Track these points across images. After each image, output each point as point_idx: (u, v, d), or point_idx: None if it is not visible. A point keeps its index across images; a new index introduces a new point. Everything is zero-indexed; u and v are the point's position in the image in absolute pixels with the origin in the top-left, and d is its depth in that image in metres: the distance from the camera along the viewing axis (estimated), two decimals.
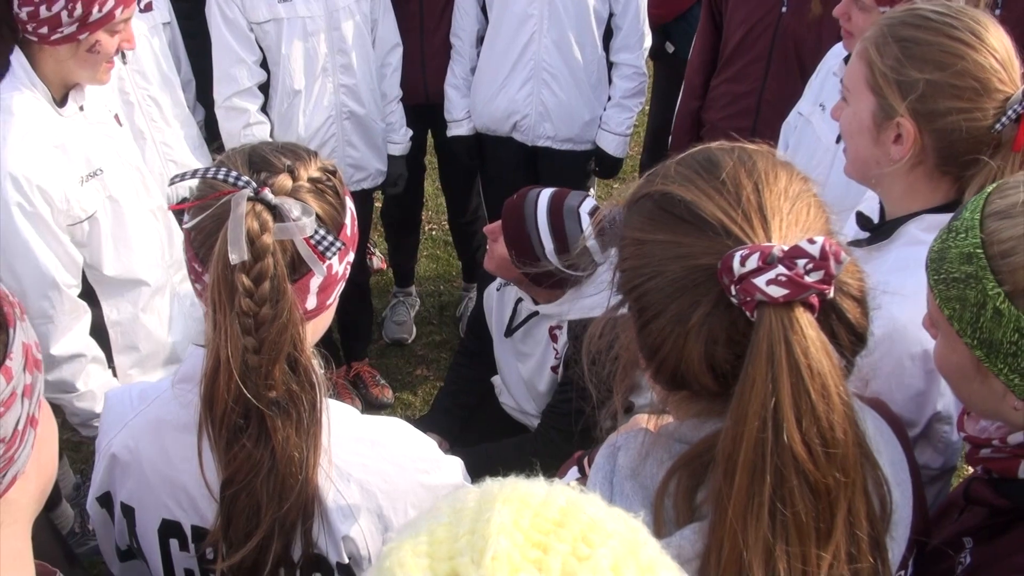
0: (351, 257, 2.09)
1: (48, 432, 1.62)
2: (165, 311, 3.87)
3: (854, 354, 1.61)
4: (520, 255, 3.77)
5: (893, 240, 2.46)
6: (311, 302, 2.01)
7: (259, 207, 1.84)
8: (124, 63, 4.25)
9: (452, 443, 4.22)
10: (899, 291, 2.08)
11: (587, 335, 1.79)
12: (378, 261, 7.29)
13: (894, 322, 2.23)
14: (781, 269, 1.44)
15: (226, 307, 1.86)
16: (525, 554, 0.92)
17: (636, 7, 5.34)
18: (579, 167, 5.66)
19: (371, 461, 2.10)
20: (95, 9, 3.16)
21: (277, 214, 1.86)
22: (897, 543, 1.73)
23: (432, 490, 2.17)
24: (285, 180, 1.90)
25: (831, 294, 1.49)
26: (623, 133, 5.53)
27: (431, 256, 7.60)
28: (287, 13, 4.78)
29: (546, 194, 3.84)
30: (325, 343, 2.19)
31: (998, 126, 2.24)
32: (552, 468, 3.92)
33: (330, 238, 1.92)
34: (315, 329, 2.11)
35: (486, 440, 4.26)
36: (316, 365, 2.00)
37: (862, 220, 2.65)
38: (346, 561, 2.08)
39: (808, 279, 1.44)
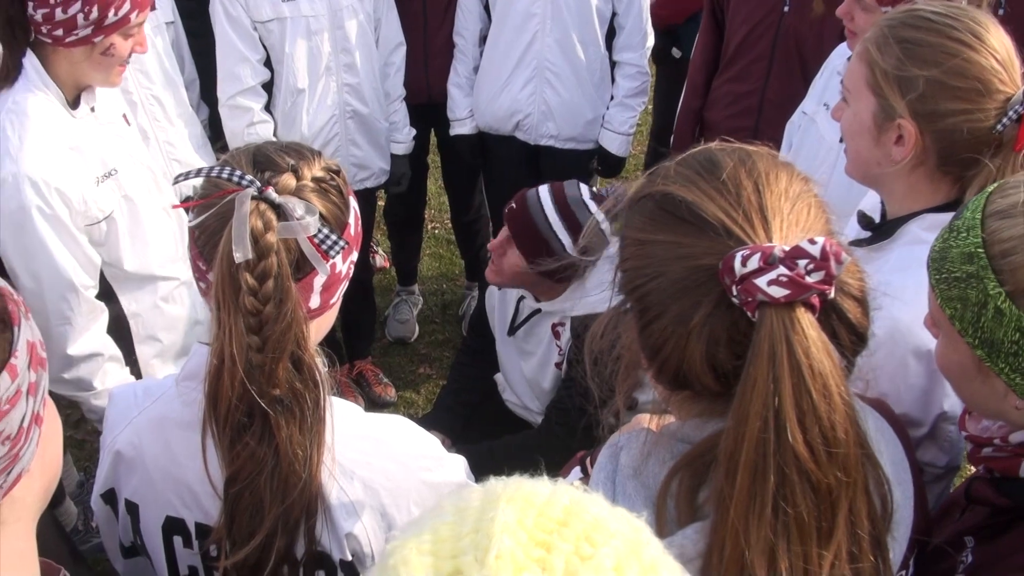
0: (355, 256, 2.10)
1: (52, 430, 1.63)
2: (185, 301, 3.88)
3: (855, 354, 1.61)
4: (537, 256, 3.76)
5: (895, 240, 2.46)
6: (315, 301, 2.01)
7: (263, 206, 1.85)
8: (127, 62, 4.26)
9: (455, 441, 4.22)
10: (901, 291, 2.09)
11: (589, 335, 1.79)
12: (381, 259, 7.29)
13: (896, 322, 2.24)
14: (782, 269, 1.44)
15: (230, 305, 1.86)
16: (529, 553, 0.92)
17: (639, 6, 5.34)
18: (582, 166, 5.65)
19: (374, 459, 2.10)
20: (111, 12, 3.16)
21: (281, 213, 1.87)
22: (898, 542, 1.73)
23: (435, 488, 2.18)
24: (289, 179, 1.91)
25: (832, 294, 1.49)
26: (626, 132, 5.54)
27: (434, 255, 7.61)
28: (291, 12, 4.78)
29: (546, 194, 3.85)
30: (328, 341, 2.20)
31: (999, 127, 2.24)
32: (556, 464, 3.95)
33: (333, 237, 1.92)
34: (319, 328, 2.11)
35: (489, 437, 4.27)
36: (320, 363, 2.00)
37: (863, 219, 2.66)
38: (349, 558, 2.09)
39: (809, 279, 1.45)
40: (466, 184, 6.33)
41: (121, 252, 3.55)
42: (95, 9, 3.12)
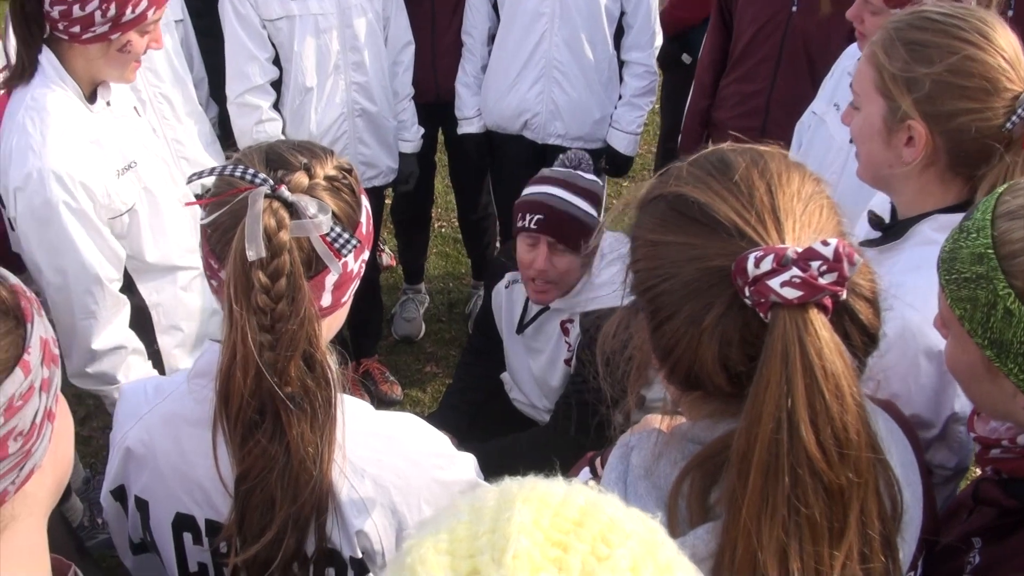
0: (366, 255, 2.10)
1: (64, 426, 1.64)
2: (205, 291, 3.85)
3: (866, 355, 1.61)
4: (584, 241, 3.80)
5: (905, 240, 2.46)
6: (326, 299, 2.02)
7: (276, 204, 1.85)
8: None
9: (461, 440, 4.22)
10: (912, 291, 2.10)
11: (601, 334, 1.80)
12: (388, 258, 7.29)
13: (907, 322, 2.24)
14: (795, 271, 1.45)
15: (242, 303, 1.87)
16: (545, 553, 0.93)
17: (647, 5, 5.34)
18: None
19: (385, 456, 2.11)
20: (128, 10, 3.16)
21: (294, 211, 1.88)
22: (908, 544, 1.73)
23: (446, 486, 2.18)
24: (302, 178, 1.91)
25: (844, 295, 1.50)
26: (634, 131, 5.54)
27: (440, 253, 7.61)
28: (300, 10, 4.78)
29: (556, 188, 3.88)
30: (336, 339, 2.20)
31: (1008, 125, 2.24)
32: (566, 460, 3.95)
33: (346, 236, 1.93)
34: (330, 326, 2.12)
35: (495, 436, 4.26)
36: (332, 361, 2.01)
37: (874, 220, 2.66)
38: (359, 556, 2.09)
39: (822, 281, 1.45)
40: (473, 183, 6.33)
41: (143, 244, 3.56)
42: (112, 6, 3.12)
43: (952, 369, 2.00)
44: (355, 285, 2.11)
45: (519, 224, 3.85)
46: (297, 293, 1.88)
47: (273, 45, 4.89)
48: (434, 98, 5.71)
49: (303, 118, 5.03)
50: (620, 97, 5.51)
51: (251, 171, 1.87)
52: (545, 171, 4.03)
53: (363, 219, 2.06)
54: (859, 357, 1.59)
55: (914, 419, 2.28)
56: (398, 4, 5.24)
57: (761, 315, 1.49)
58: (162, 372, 3.71)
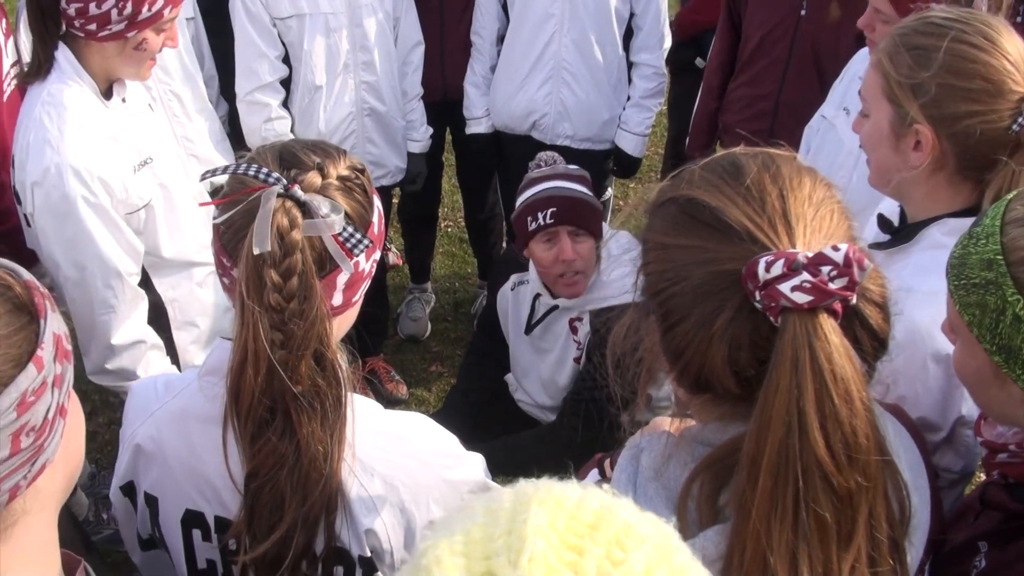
0: (377, 255, 2.11)
1: (76, 422, 1.65)
2: (217, 287, 3.83)
3: (876, 359, 1.62)
4: (597, 221, 3.91)
5: (915, 243, 2.47)
6: (337, 299, 2.03)
7: (289, 203, 1.87)
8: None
9: (465, 440, 4.22)
10: (920, 295, 2.11)
11: (612, 336, 1.80)
12: (394, 257, 7.30)
13: (915, 325, 2.25)
14: (806, 276, 1.45)
15: (255, 301, 1.88)
16: (561, 556, 0.93)
17: (657, 7, 5.34)
18: (597, 166, 5.62)
19: (394, 456, 2.11)
20: (145, 8, 3.17)
21: (306, 211, 1.89)
22: (915, 547, 1.73)
23: (454, 486, 2.19)
24: (315, 177, 1.93)
25: (854, 300, 1.50)
26: (642, 133, 5.54)
27: (447, 253, 7.62)
28: (310, 9, 4.79)
29: (563, 181, 3.93)
30: (344, 338, 2.21)
31: (1015, 127, 2.24)
32: (573, 457, 3.96)
33: (358, 235, 1.94)
34: (340, 325, 2.13)
35: (499, 437, 4.28)
36: (342, 360, 2.02)
37: (883, 223, 2.66)
38: (368, 554, 2.10)
39: (832, 286, 1.45)
40: (480, 183, 6.33)
41: (159, 239, 3.56)
42: (129, 4, 3.13)
43: (960, 374, 2.00)
44: (366, 285, 2.11)
45: (532, 227, 3.85)
46: (309, 292, 1.89)
47: (283, 43, 4.90)
48: (442, 98, 5.71)
49: (312, 117, 5.05)
50: (628, 98, 5.51)
51: (264, 170, 1.88)
52: (532, 174, 4.06)
53: (375, 219, 2.07)
54: (868, 362, 1.59)
55: (921, 422, 2.28)
56: (408, 4, 5.25)
57: (771, 319, 1.50)
58: (178, 368, 3.72)
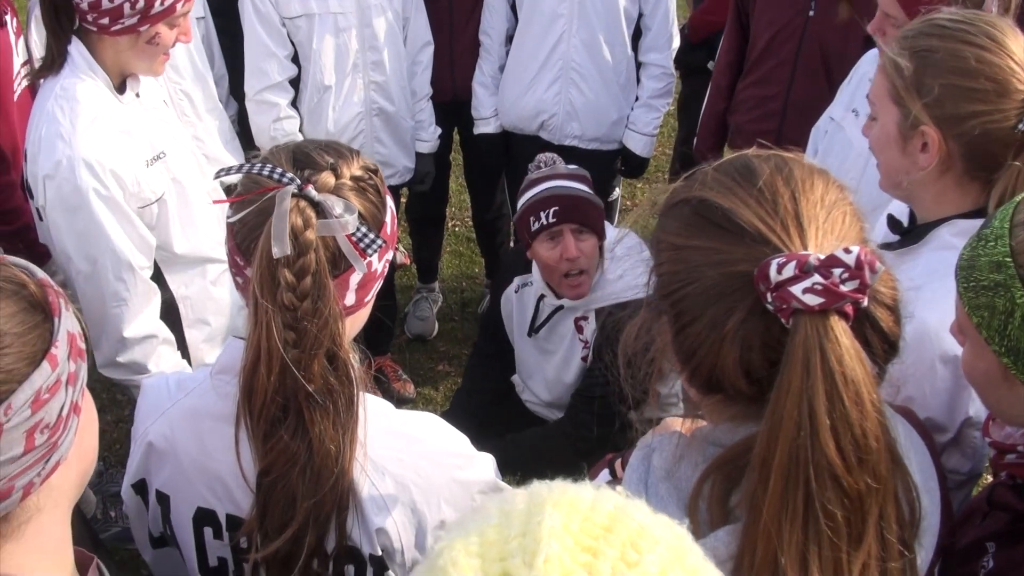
0: (390, 255, 2.12)
1: (89, 420, 1.66)
2: (230, 285, 3.81)
3: (886, 362, 1.62)
4: (599, 219, 3.92)
5: (924, 244, 2.47)
6: (350, 298, 2.04)
7: (303, 203, 1.88)
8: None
9: (472, 440, 4.23)
10: (929, 296, 2.11)
11: (623, 336, 1.81)
12: (401, 256, 7.30)
13: (925, 326, 2.25)
14: (817, 278, 1.46)
15: (268, 301, 1.89)
16: (575, 558, 0.94)
17: (666, 7, 5.34)
18: (605, 166, 5.66)
19: (406, 455, 2.12)
20: (157, 2, 3.19)
21: (320, 210, 1.90)
22: (925, 549, 1.74)
23: (465, 486, 2.20)
24: (328, 177, 1.94)
25: (865, 303, 1.51)
26: (650, 133, 5.54)
27: (454, 252, 7.62)
28: (319, 8, 4.80)
29: (566, 181, 3.95)
30: (355, 338, 2.21)
31: (1021, 126, 2.24)
32: (581, 453, 3.94)
33: (371, 235, 1.95)
34: (353, 325, 2.13)
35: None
36: (354, 360, 2.03)
37: (892, 223, 2.67)
38: (379, 553, 2.11)
39: (844, 288, 1.46)
40: (488, 183, 6.33)
41: (171, 235, 3.56)
42: None
43: (968, 376, 2.01)
44: (379, 285, 2.12)
45: (535, 227, 3.86)
46: (322, 291, 1.90)
47: (292, 43, 4.91)
48: (451, 97, 5.71)
49: (320, 116, 5.05)
50: (636, 99, 5.51)
51: (279, 170, 1.89)
52: (532, 176, 4.08)
53: (388, 219, 2.08)
54: (879, 364, 1.60)
55: (928, 423, 2.29)
56: (418, 4, 5.25)
57: (783, 321, 1.50)
58: (189, 365, 3.72)
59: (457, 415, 4.55)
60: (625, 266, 3.82)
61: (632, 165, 5.71)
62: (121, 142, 3.31)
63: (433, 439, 2.21)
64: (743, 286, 1.54)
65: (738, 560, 1.54)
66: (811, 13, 4.62)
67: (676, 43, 5.54)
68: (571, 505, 1.00)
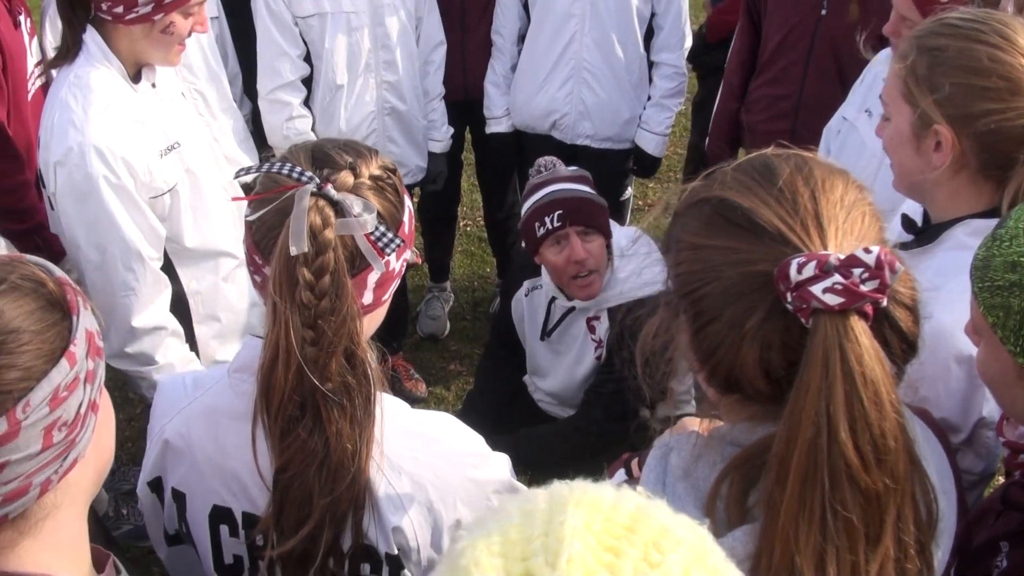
0: (408, 254, 2.13)
1: (107, 418, 1.67)
2: (245, 282, 3.86)
3: (905, 362, 1.62)
4: (604, 219, 3.91)
5: (939, 244, 2.46)
6: (368, 297, 2.04)
7: (322, 202, 1.88)
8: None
9: (484, 439, 4.24)
10: (944, 296, 2.11)
11: (641, 335, 1.81)
12: (413, 255, 7.26)
13: (940, 325, 2.24)
14: (837, 278, 1.46)
15: (286, 299, 1.89)
16: (598, 558, 0.94)
17: (678, 7, 5.34)
18: (617, 166, 5.67)
19: (422, 455, 2.13)
20: None
21: (339, 210, 1.90)
22: (942, 551, 1.74)
23: (481, 485, 2.21)
24: (347, 177, 1.94)
25: (885, 303, 1.51)
26: (662, 133, 5.54)
27: (465, 252, 7.63)
28: (332, 8, 4.81)
29: (554, 184, 3.96)
30: (371, 337, 2.22)
31: None
32: (593, 448, 3.94)
33: (389, 235, 1.95)
34: (370, 324, 2.14)
35: None
36: (371, 359, 2.03)
37: (907, 223, 2.66)
38: (395, 552, 2.11)
39: (864, 288, 1.46)
40: (500, 182, 6.33)
41: (183, 227, 3.56)
42: None
43: (983, 376, 2.00)
44: (396, 284, 2.13)
45: (540, 232, 3.86)
46: (340, 290, 1.91)
47: (304, 42, 4.92)
48: (463, 97, 5.71)
49: (333, 115, 5.06)
50: (649, 98, 5.51)
51: (298, 169, 1.89)
52: (533, 181, 4.08)
53: (406, 218, 2.09)
54: (898, 364, 1.60)
55: (942, 423, 2.28)
56: (431, 4, 5.26)
57: (802, 321, 1.50)
58: (198, 359, 3.73)
59: (470, 415, 4.55)
60: (634, 263, 3.82)
61: (644, 164, 5.71)
62: (134, 131, 3.31)
63: (449, 439, 2.22)
64: (763, 286, 1.54)
65: (756, 560, 1.54)
66: (823, 12, 4.61)
67: (688, 43, 5.53)
68: (593, 505, 1.00)
